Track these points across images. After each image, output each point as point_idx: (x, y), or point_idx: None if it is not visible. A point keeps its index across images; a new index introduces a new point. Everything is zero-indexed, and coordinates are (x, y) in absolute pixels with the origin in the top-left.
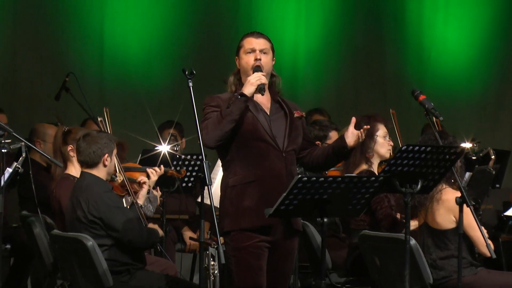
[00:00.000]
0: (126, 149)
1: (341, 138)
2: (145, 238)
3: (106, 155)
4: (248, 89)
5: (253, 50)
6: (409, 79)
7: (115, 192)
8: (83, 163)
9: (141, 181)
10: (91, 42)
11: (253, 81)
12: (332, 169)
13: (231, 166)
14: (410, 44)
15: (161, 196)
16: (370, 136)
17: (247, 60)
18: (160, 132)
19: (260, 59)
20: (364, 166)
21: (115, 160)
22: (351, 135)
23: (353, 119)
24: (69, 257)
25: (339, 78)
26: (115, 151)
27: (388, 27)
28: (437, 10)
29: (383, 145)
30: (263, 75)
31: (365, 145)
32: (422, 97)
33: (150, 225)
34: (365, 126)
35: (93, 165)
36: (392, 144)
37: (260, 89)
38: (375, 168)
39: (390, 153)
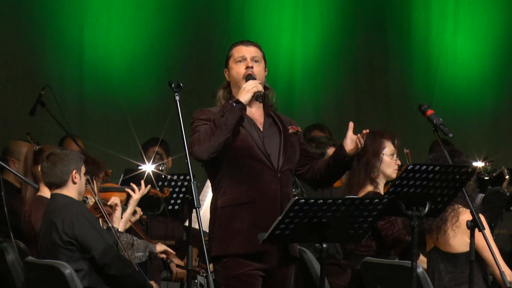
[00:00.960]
0: (103, 168)
1: (340, 147)
2: (120, 266)
3: (74, 171)
4: (244, 96)
5: (244, 59)
6: (415, 92)
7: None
8: (51, 185)
9: (112, 204)
10: (70, 52)
11: (249, 88)
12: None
13: (221, 186)
14: (416, 54)
15: (145, 219)
16: (376, 154)
17: (238, 69)
18: (144, 150)
19: (252, 67)
20: (369, 188)
21: (84, 179)
22: (350, 141)
23: (351, 124)
24: (44, 286)
25: (339, 91)
26: (83, 169)
27: (393, 36)
28: (446, 18)
29: (389, 164)
30: (259, 82)
31: (370, 164)
32: (429, 112)
33: (158, 246)
34: (364, 131)
35: (62, 184)
36: (399, 163)
37: (257, 97)
38: (381, 189)
39: (397, 173)
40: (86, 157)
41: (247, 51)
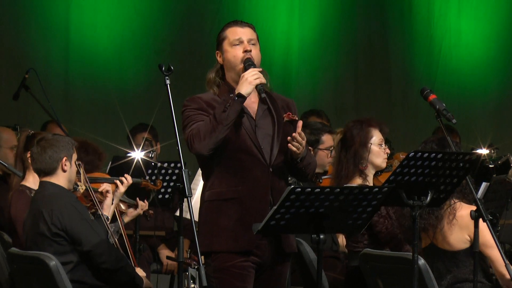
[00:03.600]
0: (104, 159)
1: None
2: (113, 258)
3: (64, 158)
4: (245, 89)
5: (241, 41)
6: (417, 76)
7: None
8: (40, 172)
9: (104, 191)
10: (55, 34)
11: (251, 79)
12: (326, 176)
13: (210, 178)
14: (418, 36)
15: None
16: (363, 144)
17: (235, 53)
18: (133, 136)
19: (250, 51)
20: (358, 180)
21: (75, 166)
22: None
23: (299, 123)
24: (29, 278)
25: (337, 76)
26: (74, 156)
27: (393, 17)
28: None
29: (378, 154)
30: (260, 71)
31: (358, 155)
32: (432, 97)
33: (138, 270)
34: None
35: (51, 171)
36: (388, 151)
37: (259, 90)
38: (370, 181)
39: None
40: (87, 146)
41: (243, 33)
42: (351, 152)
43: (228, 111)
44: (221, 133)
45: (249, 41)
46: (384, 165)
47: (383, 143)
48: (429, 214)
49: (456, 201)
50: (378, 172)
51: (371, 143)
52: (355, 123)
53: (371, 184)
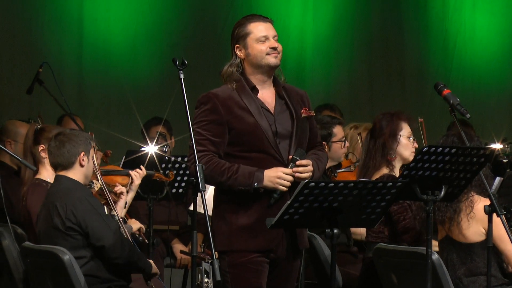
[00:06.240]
0: (108, 157)
1: None
2: (126, 254)
3: (82, 153)
4: (268, 185)
5: (267, 38)
6: (431, 71)
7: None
8: (57, 166)
9: (118, 191)
10: (69, 28)
11: (279, 185)
12: (341, 170)
13: None
14: (433, 31)
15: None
16: (393, 136)
17: (260, 48)
18: (147, 130)
19: (277, 50)
20: (385, 170)
21: (92, 162)
22: None
23: (301, 163)
24: (42, 272)
25: (352, 70)
26: (92, 152)
27: (408, 11)
28: None
29: (407, 146)
30: (289, 185)
31: (387, 146)
32: (446, 92)
33: (133, 223)
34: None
35: (68, 166)
36: (416, 146)
37: (274, 198)
38: (397, 172)
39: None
40: None
41: (268, 29)
42: (380, 143)
43: (239, 179)
44: (221, 185)
45: (274, 37)
46: (411, 158)
47: (412, 136)
48: (447, 207)
49: (473, 194)
50: (405, 165)
51: (400, 135)
52: (385, 115)
53: (397, 175)
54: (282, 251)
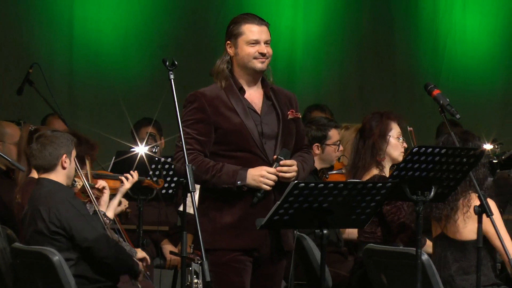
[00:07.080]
0: (96, 148)
1: None
2: (113, 252)
3: (64, 155)
4: (251, 184)
5: (258, 42)
6: (422, 71)
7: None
8: (39, 168)
9: (100, 187)
10: (59, 28)
11: (263, 184)
12: (333, 172)
13: None
14: (423, 31)
15: (130, 212)
16: (382, 136)
17: (249, 51)
18: (137, 130)
19: (266, 56)
20: (375, 171)
21: (74, 163)
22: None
23: (284, 163)
24: (32, 273)
25: (342, 70)
26: (74, 153)
27: (399, 12)
28: None
29: (396, 146)
30: (272, 184)
31: (376, 146)
32: (436, 92)
33: (139, 251)
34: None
35: (50, 168)
36: (406, 146)
37: (257, 197)
38: (387, 173)
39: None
40: (78, 137)
41: (261, 33)
42: (369, 143)
43: (223, 178)
44: (206, 184)
45: (265, 42)
46: (400, 158)
47: (401, 137)
48: (444, 205)
49: (471, 193)
50: (394, 165)
51: (389, 135)
52: (374, 115)
53: (387, 175)
54: (266, 251)
